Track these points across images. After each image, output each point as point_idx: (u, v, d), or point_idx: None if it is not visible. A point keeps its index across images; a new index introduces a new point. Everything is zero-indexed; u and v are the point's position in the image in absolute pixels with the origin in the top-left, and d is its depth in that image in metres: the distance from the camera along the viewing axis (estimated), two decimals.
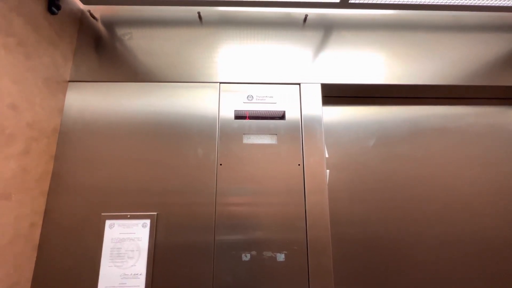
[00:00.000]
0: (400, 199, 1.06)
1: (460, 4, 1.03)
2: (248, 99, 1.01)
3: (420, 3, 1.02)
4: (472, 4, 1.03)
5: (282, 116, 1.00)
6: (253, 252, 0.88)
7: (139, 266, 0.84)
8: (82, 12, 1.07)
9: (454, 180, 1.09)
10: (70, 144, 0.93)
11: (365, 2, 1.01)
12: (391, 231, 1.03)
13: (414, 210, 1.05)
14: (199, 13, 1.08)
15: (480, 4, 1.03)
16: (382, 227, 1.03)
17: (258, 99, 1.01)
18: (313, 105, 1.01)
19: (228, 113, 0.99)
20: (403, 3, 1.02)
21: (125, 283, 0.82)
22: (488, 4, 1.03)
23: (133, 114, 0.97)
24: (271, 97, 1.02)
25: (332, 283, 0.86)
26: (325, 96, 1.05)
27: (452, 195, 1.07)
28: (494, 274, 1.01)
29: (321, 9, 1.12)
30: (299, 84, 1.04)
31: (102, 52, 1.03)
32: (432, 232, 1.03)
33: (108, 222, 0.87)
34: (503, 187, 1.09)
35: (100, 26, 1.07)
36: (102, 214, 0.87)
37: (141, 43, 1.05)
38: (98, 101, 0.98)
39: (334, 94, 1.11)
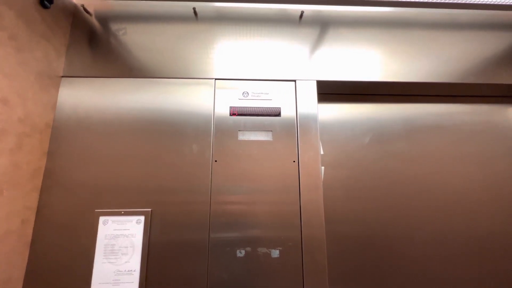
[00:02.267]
0: (395, 197, 1.07)
1: (456, 2, 1.03)
2: (244, 96, 1.01)
3: (416, 0, 1.02)
4: (468, 2, 1.03)
5: (277, 113, 1.00)
6: (248, 249, 0.88)
7: (133, 262, 0.83)
8: (75, 6, 1.05)
9: (449, 178, 1.10)
10: (63, 140, 0.92)
11: None
12: (385, 228, 1.03)
13: (409, 208, 1.06)
14: (194, 8, 1.07)
15: (476, 2, 1.03)
16: (376, 224, 1.03)
17: (254, 96, 1.01)
18: (308, 101, 1.01)
19: (223, 110, 0.99)
20: (399, 0, 1.01)
21: (119, 280, 0.82)
22: (484, 2, 1.03)
23: (127, 110, 0.96)
24: (266, 93, 1.01)
25: (326, 280, 0.86)
26: (320, 93, 1.05)
27: (447, 193, 1.08)
28: (489, 272, 1.02)
29: (317, 6, 1.11)
30: (294, 81, 1.03)
31: (96, 47, 1.02)
32: (427, 230, 1.04)
33: (102, 219, 0.86)
34: (498, 185, 1.10)
35: (94, 21, 1.05)
36: (96, 210, 0.87)
37: (135, 39, 1.04)
38: (92, 96, 0.97)
39: (330, 91, 1.11)
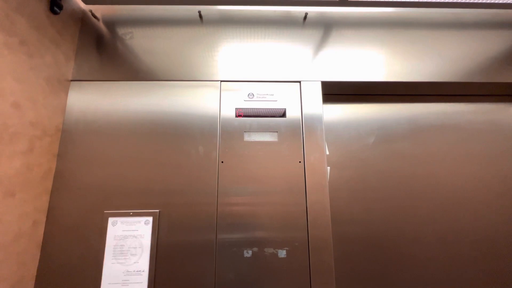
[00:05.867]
0: (401, 196, 1.07)
1: (459, 1, 1.04)
2: (249, 97, 1.02)
3: (419, 0, 1.02)
4: (471, 1, 1.03)
5: (283, 114, 1.01)
6: (255, 249, 0.88)
7: (142, 263, 0.84)
8: (83, 11, 1.07)
9: (453, 177, 1.09)
10: (72, 143, 0.94)
11: (364, 0, 1.02)
12: (391, 228, 1.03)
13: (415, 207, 1.06)
14: (199, 12, 1.09)
15: (479, 2, 1.04)
16: (382, 224, 1.03)
17: (259, 97, 1.02)
18: (313, 102, 1.01)
19: (229, 111, 1.00)
20: (402, 0, 1.02)
21: (128, 280, 0.83)
22: (487, 1, 1.04)
23: (135, 113, 0.98)
24: (271, 95, 1.02)
25: (333, 279, 0.87)
26: (325, 94, 1.06)
27: (452, 192, 1.08)
28: (494, 272, 1.01)
29: (321, 7, 1.12)
30: (299, 82, 1.04)
31: (104, 52, 1.04)
32: (432, 229, 1.04)
33: (111, 220, 0.87)
34: (502, 184, 1.10)
35: (101, 25, 1.07)
36: (105, 211, 0.88)
37: (142, 42, 1.06)
38: (100, 100, 0.98)
39: (334, 92, 1.12)
